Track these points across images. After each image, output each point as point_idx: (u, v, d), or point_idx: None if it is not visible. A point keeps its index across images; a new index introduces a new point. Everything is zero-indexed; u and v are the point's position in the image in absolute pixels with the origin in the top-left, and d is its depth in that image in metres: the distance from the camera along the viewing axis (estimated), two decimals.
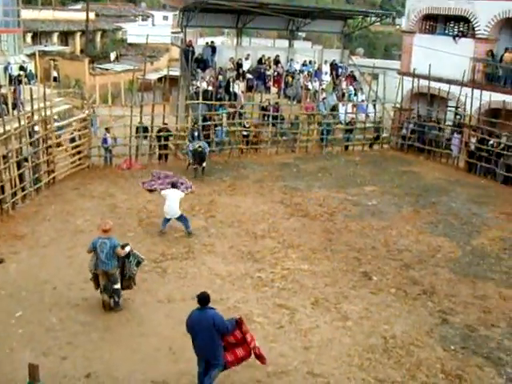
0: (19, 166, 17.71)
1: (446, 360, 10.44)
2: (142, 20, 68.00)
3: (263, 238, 15.75)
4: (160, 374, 9.67)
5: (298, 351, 10.51)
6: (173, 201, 15.51)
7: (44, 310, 11.58)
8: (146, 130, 23.12)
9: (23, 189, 18.00)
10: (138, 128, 22.88)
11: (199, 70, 27.78)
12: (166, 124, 23.31)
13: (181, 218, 15.69)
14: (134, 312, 11.66)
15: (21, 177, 17.86)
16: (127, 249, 11.65)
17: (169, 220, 15.68)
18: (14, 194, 17.43)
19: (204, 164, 21.25)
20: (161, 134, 23.21)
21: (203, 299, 8.88)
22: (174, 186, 16.18)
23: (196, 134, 23.11)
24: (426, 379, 9.87)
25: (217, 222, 16.76)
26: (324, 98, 28.03)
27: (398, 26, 67.35)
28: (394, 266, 14.32)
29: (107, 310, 11.55)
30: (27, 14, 44.33)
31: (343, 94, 28.84)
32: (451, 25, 28.81)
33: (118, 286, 11.59)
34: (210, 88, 25.77)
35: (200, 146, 21.08)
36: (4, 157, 16.93)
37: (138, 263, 11.92)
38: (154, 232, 15.75)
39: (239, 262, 14.15)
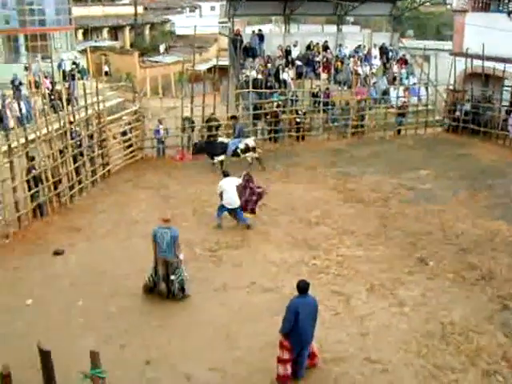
0: (75, 159, 18.17)
1: (507, 347, 10.20)
2: (190, 11, 68.37)
3: (317, 225, 15.73)
4: (217, 361, 9.79)
5: (355, 337, 10.47)
6: (232, 191, 15.36)
7: (103, 300, 11.85)
8: (193, 121, 23.29)
9: (80, 182, 18.46)
10: (183, 120, 23.10)
11: (248, 59, 27.82)
12: (213, 114, 23.44)
13: (239, 210, 15.59)
14: (190, 300, 11.82)
15: (77, 170, 18.33)
16: (181, 256, 11.89)
17: (224, 212, 15.59)
18: (71, 188, 17.91)
19: (219, 158, 20.48)
20: (209, 123, 23.33)
21: (304, 288, 8.92)
22: (226, 175, 16.02)
23: (232, 128, 22.54)
24: (486, 366, 9.66)
25: (270, 210, 16.80)
26: (375, 83, 27.69)
27: (449, 6, 65.69)
28: (451, 251, 14.08)
29: (164, 300, 11.73)
30: (78, 11, 45.22)
31: (394, 78, 28.39)
32: (506, 0, 27.90)
33: (173, 277, 11.72)
34: (260, 76, 25.78)
35: (216, 141, 20.78)
36: (60, 151, 17.39)
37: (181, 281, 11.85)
38: (209, 221, 15.91)
39: (294, 250, 14.17)
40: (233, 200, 15.37)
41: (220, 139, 20.69)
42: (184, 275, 11.88)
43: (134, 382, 9.26)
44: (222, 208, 15.60)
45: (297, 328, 8.77)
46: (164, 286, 11.77)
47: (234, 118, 22.56)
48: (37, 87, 22.45)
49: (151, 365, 9.72)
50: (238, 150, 20.27)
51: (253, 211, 15.85)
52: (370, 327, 10.79)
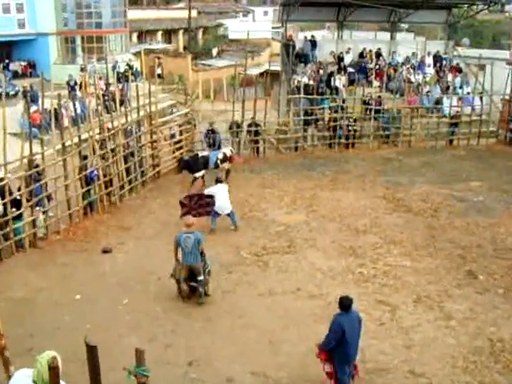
0: (126, 160, 18.47)
1: None
2: (243, 16, 68.80)
3: (365, 234, 15.58)
4: (259, 365, 9.78)
5: (399, 349, 10.30)
6: (225, 196, 15.60)
7: (149, 299, 11.99)
8: (238, 125, 23.39)
9: (130, 182, 18.75)
10: (231, 124, 23.20)
11: (300, 65, 27.81)
12: (253, 118, 23.41)
13: (231, 213, 15.76)
14: (234, 304, 11.84)
15: (128, 170, 18.62)
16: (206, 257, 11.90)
17: (217, 217, 15.67)
18: (122, 187, 18.20)
19: (197, 174, 19.25)
20: (250, 128, 23.39)
21: (348, 304, 8.59)
22: (219, 181, 16.09)
23: (211, 140, 21.39)
24: None
25: (318, 217, 16.74)
26: (428, 91, 27.30)
27: (507, 14, 64.44)
28: (502, 266, 13.70)
29: (185, 300, 11.78)
30: (133, 14, 45.97)
31: (448, 87, 27.96)
32: None
33: (201, 277, 11.71)
34: (311, 82, 25.72)
35: (197, 156, 19.57)
36: (112, 151, 17.70)
37: (209, 272, 12.02)
38: (256, 225, 15.96)
39: (340, 257, 14.07)
40: (225, 206, 15.59)
41: (200, 154, 19.84)
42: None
43: (177, 381, 9.33)
44: (215, 214, 15.67)
45: (343, 346, 8.53)
46: (185, 287, 11.78)
47: (212, 131, 21.66)
48: (85, 87, 22.85)
49: (194, 366, 9.77)
50: (218, 161, 19.72)
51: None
52: (416, 339, 10.60)
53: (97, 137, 17.06)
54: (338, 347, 8.56)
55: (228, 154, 20.09)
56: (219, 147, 20.73)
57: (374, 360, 9.90)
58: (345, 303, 8.60)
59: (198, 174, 19.17)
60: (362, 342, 10.23)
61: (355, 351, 8.76)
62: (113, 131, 17.83)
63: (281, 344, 10.39)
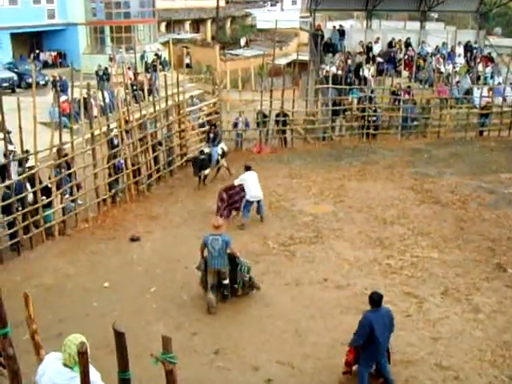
0: (154, 149, 18.58)
1: None
2: (271, 5, 68.46)
3: (392, 225, 15.48)
4: (285, 355, 9.79)
5: (426, 341, 10.23)
6: (256, 183, 15.49)
7: (176, 288, 12.08)
8: (265, 115, 23.34)
9: (158, 171, 18.87)
10: (257, 114, 23.18)
11: (328, 54, 27.63)
12: (281, 108, 23.35)
13: (261, 201, 15.60)
14: (261, 293, 11.83)
15: (156, 160, 18.74)
16: (237, 254, 11.51)
17: (250, 208, 15.48)
18: (150, 176, 18.32)
19: (206, 172, 18.75)
20: (277, 118, 23.33)
21: (378, 300, 8.48)
22: (248, 168, 15.92)
23: (212, 135, 19.72)
24: None
25: (346, 207, 16.68)
26: (458, 82, 26.93)
27: None
28: None
29: (211, 312, 11.07)
30: (161, 4, 46.14)
31: (478, 77, 27.52)
32: None
33: (227, 281, 11.30)
34: (340, 72, 25.55)
35: (203, 152, 18.82)
36: (140, 140, 17.82)
37: (249, 269, 11.52)
38: (284, 215, 15.97)
39: (367, 248, 14.01)
40: (257, 193, 15.44)
41: (205, 150, 19.11)
42: (248, 264, 11.58)
43: (203, 369, 9.40)
44: (247, 204, 15.48)
45: (373, 342, 8.43)
46: (212, 297, 11.16)
47: (214, 125, 20.61)
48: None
49: (220, 354, 9.84)
50: (218, 157, 19.28)
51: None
52: (443, 332, 10.52)
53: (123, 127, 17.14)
54: (367, 344, 8.47)
55: (225, 149, 19.76)
56: (218, 143, 19.71)
57: (400, 352, 9.84)
58: (375, 299, 8.48)
59: (203, 173, 18.69)
60: None
61: (384, 349, 8.68)
62: (141, 120, 17.94)
63: (307, 334, 10.40)
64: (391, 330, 8.72)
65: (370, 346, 8.48)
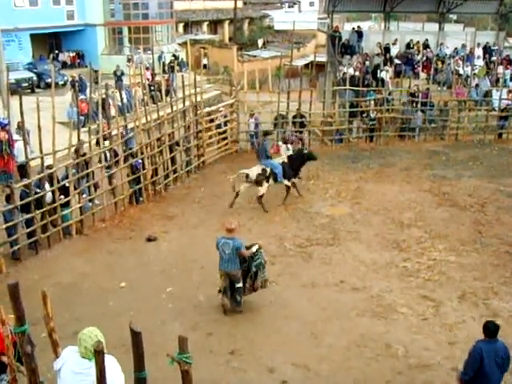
0: (171, 149, 18.64)
1: None
2: (289, 7, 68.57)
3: (409, 227, 15.39)
4: (301, 357, 9.77)
5: (443, 346, 10.15)
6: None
7: (192, 288, 12.10)
8: (284, 117, 23.29)
9: (175, 171, 18.92)
10: (276, 116, 23.15)
11: (346, 56, 27.57)
12: (298, 109, 23.30)
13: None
14: (277, 295, 11.83)
15: (173, 160, 18.79)
16: (254, 248, 11.05)
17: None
18: (167, 176, 18.38)
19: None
20: (295, 119, 23.27)
21: (493, 330, 7.59)
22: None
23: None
24: None
25: (362, 209, 16.62)
26: (476, 84, 26.73)
27: None
28: None
29: (227, 314, 11.10)
30: (179, 5, 46.31)
31: (498, 79, 27.30)
32: None
33: (240, 284, 11.07)
34: (357, 74, 25.48)
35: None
36: (158, 140, 17.88)
37: (259, 264, 11.13)
38: (300, 217, 15.94)
39: (384, 251, 13.94)
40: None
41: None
42: (264, 259, 11.24)
43: (219, 369, 9.40)
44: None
45: (480, 377, 7.54)
46: (226, 300, 11.09)
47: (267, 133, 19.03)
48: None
49: (236, 355, 9.84)
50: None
51: None
52: (460, 336, 10.43)
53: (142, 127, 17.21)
54: (474, 378, 7.61)
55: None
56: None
57: (416, 356, 9.80)
58: (490, 328, 7.61)
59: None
60: (405, 337, 10.19)
61: None
62: (158, 121, 18.02)
63: (323, 336, 10.37)
64: (505, 369, 7.68)
65: (477, 380, 7.59)
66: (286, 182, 17.03)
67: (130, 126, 17.34)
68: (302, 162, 17.69)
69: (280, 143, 19.24)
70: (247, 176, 16.66)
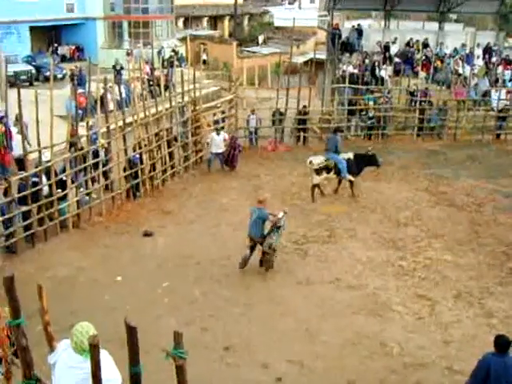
0: (169, 144, 18.62)
1: None
2: (289, 3, 68.31)
3: (406, 226, 15.42)
4: (296, 353, 9.80)
5: (438, 345, 10.20)
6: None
7: (188, 283, 12.12)
8: (282, 113, 23.28)
9: (172, 167, 18.90)
10: (274, 112, 23.15)
11: (346, 54, 27.54)
12: (304, 107, 23.34)
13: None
14: (273, 291, 11.89)
15: (170, 155, 18.77)
16: (280, 214, 12.55)
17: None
18: (164, 172, 18.36)
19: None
20: (300, 116, 23.29)
21: (503, 345, 7.29)
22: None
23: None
24: None
25: (359, 207, 16.65)
26: (476, 84, 26.73)
27: None
28: None
29: (241, 267, 12.56)
30: (179, 0, 46.08)
31: (497, 80, 27.29)
32: None
33: (263, 247, 12.48)
34: (357, 72, 25.46)
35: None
36: (156, 135, 17.85)
37: (278, 228, 12.51)
38: (297, 214, 15.91)
39: (380, 249, 13.97)
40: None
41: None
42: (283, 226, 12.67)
43: (213, 365, 9.42)
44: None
45: None
46: (247, 252, 12.54)
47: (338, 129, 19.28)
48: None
49: (230, 351, 9.87)
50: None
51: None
52: (455, 335, 10.48)
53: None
54: None
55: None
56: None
57: (411, 354, 9.84)
58: (501, 343, 7.32)
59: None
60: (400, 336, 10.21)
61: None
62: (157, 115, 17.98)
63: (317, 333, 10.40)
64: None
65: None
66: (349, 176, 17.39)
67: (128, 120, 17.29)
68: (366, 163, 17.83)
69: (214, 133, 19.74)
70: (310, 162, 17.13)
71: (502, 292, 12.09)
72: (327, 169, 17.09)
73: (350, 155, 17.62)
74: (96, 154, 15.70)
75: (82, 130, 15.59)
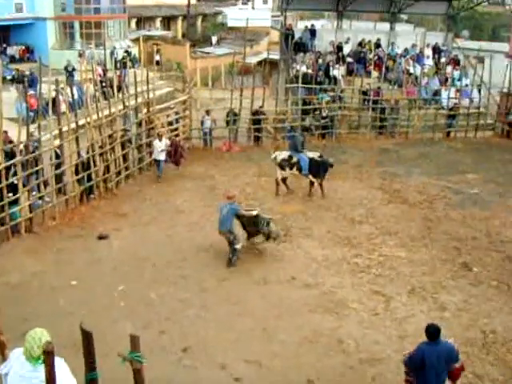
0: (123, 146, 18.44)
1: None
2: (242, 4, 68.28)
3: (361, 224, 15.62)
4: (253, 353, 9.82)
5: (393, 339, 10.36)
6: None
7: (144, 286, 12.02)
8: (236, 114, 23.34)
9: (127, 168, 18.72)
10: (228, 113, 23.19)
11: (299, 54, 27.74)
12: (261, 107, 23.42)
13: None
14: (230, 292, 11.88)
15: (124, 157, 18.59)
16: (254, 212, 13.33)
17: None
18: (118, 174, 18.17)
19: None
20: (254, 116, 23.37)
21: (433, 333, 7.55)
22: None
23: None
24: None
25: (315, 206, 16.78)
26: (426, 83, 27.25)
27: (507, 7, 64.05)
28: (497, 258, 13.79)
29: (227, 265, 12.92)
30: (132, 0, 45.64)
31: (446, 79, 27.89)
32: None
33: (237, 246, 12.86)
34: (310, 71, 25.67)
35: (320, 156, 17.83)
36: (109, 136, 17.65)
37: (268, 223, 13.32)
38: None
39: (336, 247, 14.11)
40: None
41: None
42: (268, 218, 13.49)
43: (171, 368, 9.37)
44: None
45: (422, 378, 7.60)
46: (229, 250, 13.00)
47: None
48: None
49: (188, 353, 9.82)
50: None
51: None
52: (409, 330, 10.64)
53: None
54: (418, 378, 7.69)
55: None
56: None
57: (367, 350, 9.97)
58: (430, 331, 7.59)
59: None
60: (356, 332, 10.35)
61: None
62: (110, 117, 17.79)
63: (275, 332, 10.43)
64: (446, 369, 7.67)
65: (420, 380, 7.69)
66: (310, 176, 17.65)
67: (81, 122, 17.06)
68: (327, 166, 17.70)
69: (157, 141, 19.09)
70: (275, 158, 17.75)
71: (453, 286, 12.37)
72: (291, 164, 17.49)
73: (316, 156, 17.78)
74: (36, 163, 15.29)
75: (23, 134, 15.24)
